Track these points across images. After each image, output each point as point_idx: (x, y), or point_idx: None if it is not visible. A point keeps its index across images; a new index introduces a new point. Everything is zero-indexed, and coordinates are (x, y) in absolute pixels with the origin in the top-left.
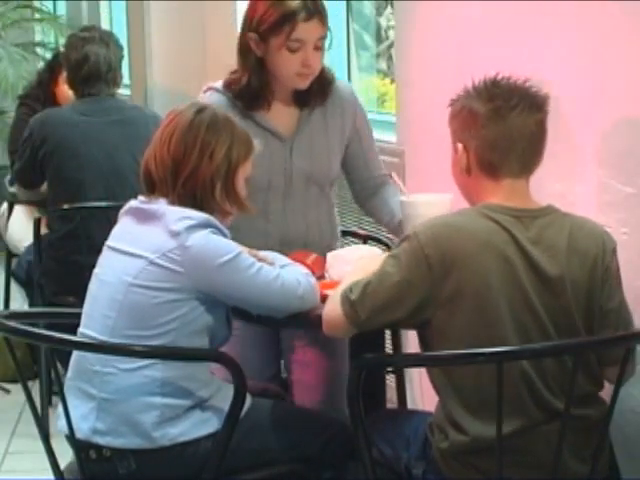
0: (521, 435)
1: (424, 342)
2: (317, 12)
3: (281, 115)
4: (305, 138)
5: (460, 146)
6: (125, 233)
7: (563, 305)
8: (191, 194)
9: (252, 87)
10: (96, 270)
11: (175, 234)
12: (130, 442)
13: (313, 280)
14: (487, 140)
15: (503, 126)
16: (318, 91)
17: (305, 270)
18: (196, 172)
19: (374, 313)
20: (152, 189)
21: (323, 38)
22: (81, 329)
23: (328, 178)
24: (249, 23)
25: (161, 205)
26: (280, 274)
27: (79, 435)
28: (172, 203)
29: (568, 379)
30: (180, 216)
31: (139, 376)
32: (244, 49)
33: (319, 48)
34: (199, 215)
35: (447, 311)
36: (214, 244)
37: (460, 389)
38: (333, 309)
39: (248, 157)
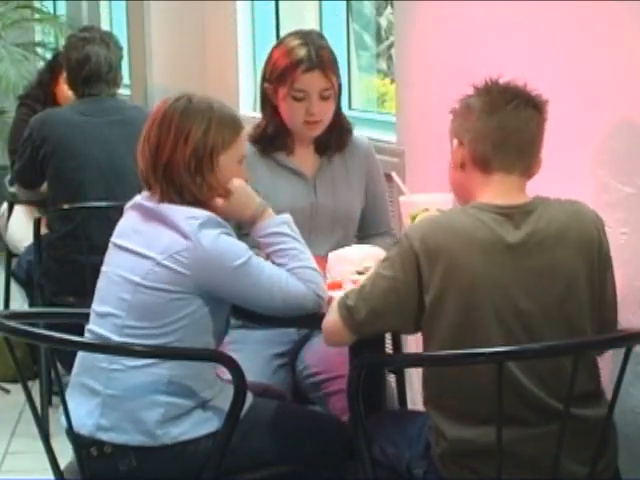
0: (513, 437)
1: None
2: (319, 65)
3: (303, 158)
4: (327, 178)
5: (456, 141)
6: (131, 230)
7: (559, 299)
8: (171, 181)
9: (268, 133)
10: (103, 268)
11: (184, 235)
12: (132, 439)
13: (322, 284)
14: (481, 132)
15: (497, 119)
16: (337, 140)
17: (317, 271)
18: (173, 158)
19: (371, 316)
20: (149, 186)
21: (328, 89)
22: (90, 326)
23: (351, 218)
24: (265, 72)
25: (162, 204)
26: (289, 280)
27: (83, 431)
28: (161, 197)
29: (566, 378)
30: (185, 216)
31: (146, 374)
32: (263, 97)
33: (326, 98)
34: (202, 213)
35: (433, 311)
36: (224, 247)
37: (440, 389)
38: (331, 317)
39: (233, 142)
